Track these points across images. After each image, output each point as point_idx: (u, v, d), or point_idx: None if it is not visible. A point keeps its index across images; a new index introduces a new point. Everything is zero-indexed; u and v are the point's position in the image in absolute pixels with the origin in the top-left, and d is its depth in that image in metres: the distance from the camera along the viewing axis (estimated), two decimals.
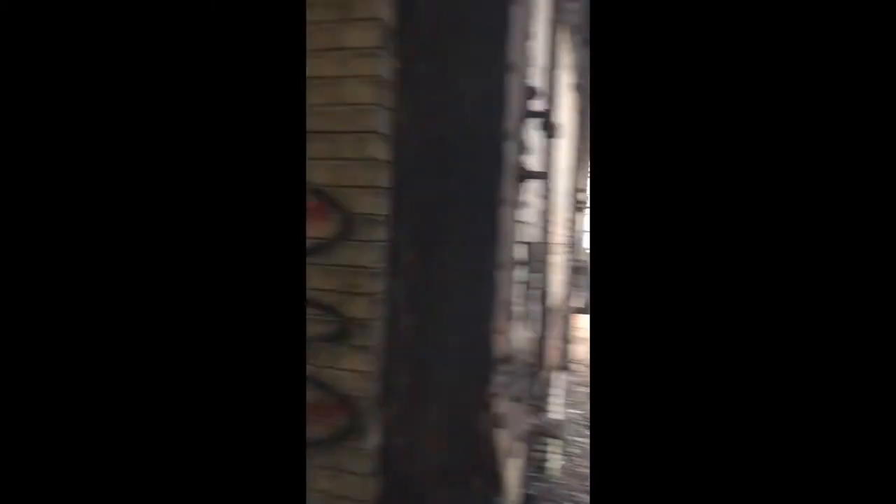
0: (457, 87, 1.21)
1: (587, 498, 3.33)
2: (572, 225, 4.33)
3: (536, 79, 1.44)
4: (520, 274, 1.52)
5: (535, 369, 1.52)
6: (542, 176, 1.44)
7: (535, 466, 3.61)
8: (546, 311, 2.14)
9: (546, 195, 1.50)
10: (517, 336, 1.49)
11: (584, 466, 3.80)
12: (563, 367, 6.19)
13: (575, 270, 4.41)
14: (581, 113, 4.13)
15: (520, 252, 1.51)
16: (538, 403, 1.56)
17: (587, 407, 5.09)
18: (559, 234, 3.09)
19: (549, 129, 1.45)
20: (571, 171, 3.84)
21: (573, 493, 3.41)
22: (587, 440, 4.28)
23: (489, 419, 1.19)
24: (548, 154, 1.49)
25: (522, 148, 1.44)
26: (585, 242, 7.52)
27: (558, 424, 2.42)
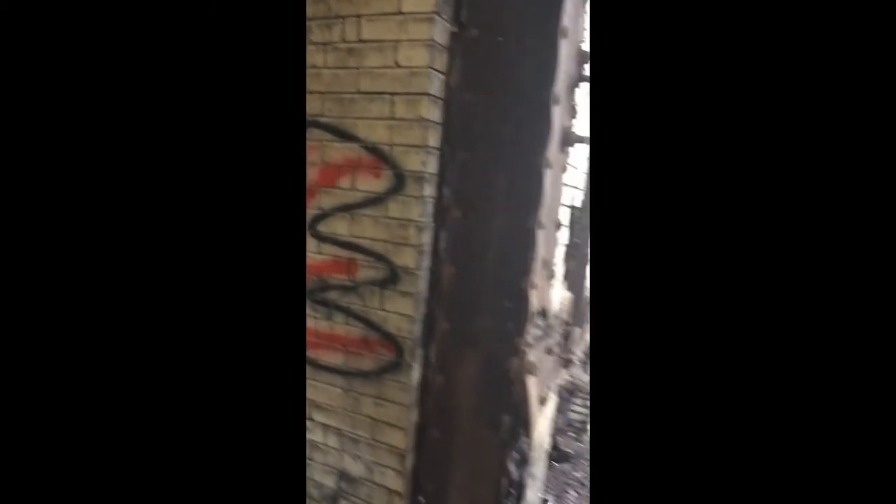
0: (508, 51, 1.25)
1: None
2: None
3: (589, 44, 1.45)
4: (562, 235, 1.58)
5: (571, 327, 1.59)
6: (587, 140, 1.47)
7: (576, 428, 3.72)
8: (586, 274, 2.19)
9: (590, 160, 1.53)
10: (555, 294, 1.57)
11: None
12: None
13: None
14: None
15: (563, 214, 1.57)
16: (572, 358, 1.63)
17: None
18: None
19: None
20: None
21: None
22: None
23: (520, 366, 1.29)
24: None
25: (572, 112, 1.47)
26: None
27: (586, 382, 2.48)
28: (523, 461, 1.36)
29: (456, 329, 1.33)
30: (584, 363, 2.93)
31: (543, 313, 1.44)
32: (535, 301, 1.32)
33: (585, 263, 1.62)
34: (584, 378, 2.51)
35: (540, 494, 1.71)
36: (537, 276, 1.33)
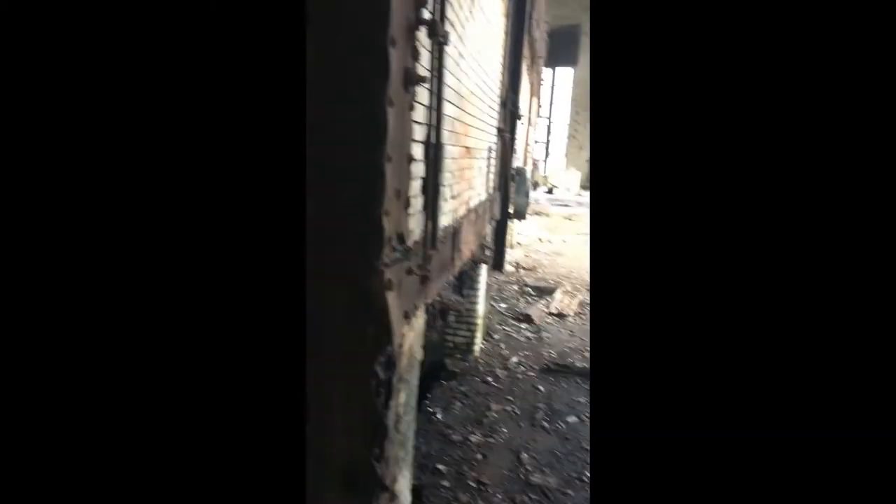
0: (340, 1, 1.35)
1: (506, 373, 3.89)
2: (508, 133, 4.53)
3: None
4: (416, 169, 1.76)
5: (431, 252, 1.81)
6: (430, 80, 1.63)
7: (462, 350, 4.12)
8: (444, 206, 2.42)
9: (439, 98, 1.70)
10: (414, 222, 1.77)
11: (504, 349, 4.35)
12: (497, 267, 6.68)
13: (503, 177, 4.68)
14: (506, 18, 4.17)
15: (416, 150, 1.74)
16: (428, 276, 1.87)
17: (514, 302, 5.64)
18: (476, 142, 3.29)
19: (440, 36, 1.62)
20: (496, 83, 3.97)
21: (493, 368, 3.96)
22: (511, 329, 4.84)
23: (379, 284, 1.48)
24: (439, 59, 1.67)
25: (413, 54, 1.62)
26: (520, 152, 7.72)
27: (458, 301, 2.80)
28: (390, 365, 1.58)
29: (320, 258, 1.48)
30: (454, 286, 3.24)
31: (401, 238, 1.64)
32: (388, 227, 1.50)
33: (439, 195, 1.82)
34: (453, 298, 2.81)
35: (415, 400, 1.97)
36: (390, 204, 1.51)
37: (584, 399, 3.58)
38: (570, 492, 2.60)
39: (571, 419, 3.31)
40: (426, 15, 1.59)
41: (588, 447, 2.99)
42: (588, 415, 3.35)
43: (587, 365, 4.14)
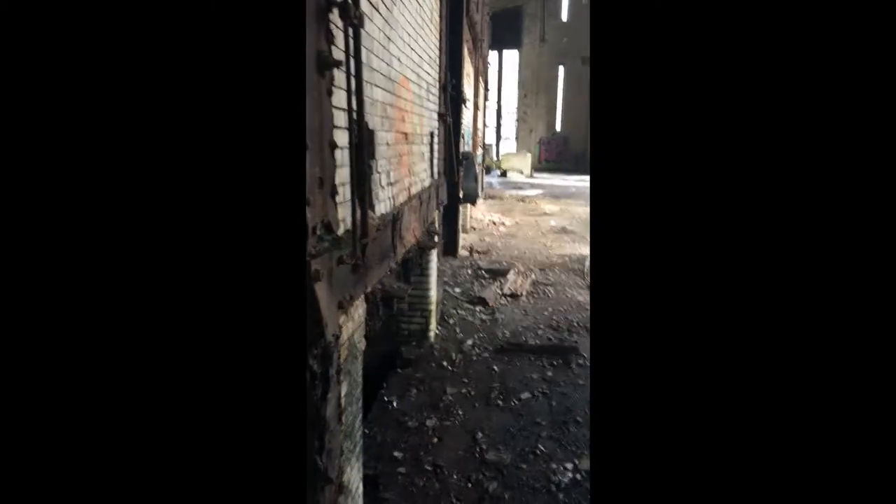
0: None
1: (461, 357, 3.93)
2: (451, 117, 4.51)
3: None
4: (341, 156, 1.72)
5: (364, 240, 1.79)
6: (347, 63, 1.59)
7: (417, 338, 4.13)
8: (381, 193, 2.40)
9: (359, 82, 1.66)
10: (342, 210, 1.73)
11: (459, 333, 4.39)
12: (451, 252, 6.71)
13: (450, 162, 4.67)
14: (441, 1, 4.13)
15: (339, 136, 1.70)
16: (359, 264, 1.84)
17: (468, 286, 5.68)
18: (415, 128, 3.26)
19: (353, 18, 1.58)
20: (434, 67, 3.93)
21: (448, 353, 3.99)
22: (465, 313, 4.88)
23: (307, 274, 1.45)
24: (355, 42, 1.63)
25: (327, 37, 1.57)
26: (469, 136, 7.75)
27: (402, 289, 2.80)
28: (326, 357, 1.56)
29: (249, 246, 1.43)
30: (400, 273, 3.22)
31: (328, 227, 1.60)
32: (312, 216, 1.47)
33: (369, 182, 1.80)
34: (397, 285, 2.80)
35: (360, 390, 1.96)
36: (312, 193, 1.47)
37: (536, 375, 3.67)
38: (523, 465, 2.66)
39: (525, 395, 3.38)
40: None
41: (540, 421, 3.07)
42: (541, 390, 3.44)
43: (539, 342, 4.24)
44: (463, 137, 7.14)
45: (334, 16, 1.57)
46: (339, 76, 1.66)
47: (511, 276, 6.02)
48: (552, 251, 7.58)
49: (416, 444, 2.85)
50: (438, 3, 4.21)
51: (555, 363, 3.86)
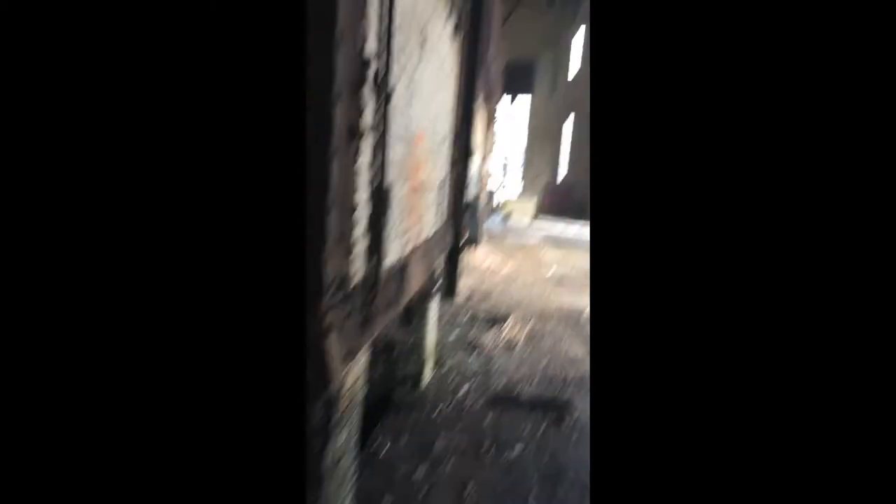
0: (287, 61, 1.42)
1: (447, 406, 3.94)
2: (456, 169, 4.66)
3: (371, 44, 1.67)
4: (360, 216, 1.82)
5: (370, 293, 1.87)
6: (375, 131, 1.71)
7: (412, 382, 4.14)
8: (391, 246, 2.49)
9: (384, 146, 1.78)
10: (356, 266, 1.82)
11: (454, 380, 4.40)
12: (450, 295, 6.77)
13: (456, 208, 4.80)
14: (461, 57, 4.34)
15: (360, 198, 1.81)
16: (370, 319, 1.92)
17: (466, 331, 5.72)
18: (427, 177, 3.40)
19: (384, 90, 1.71)
20: (448, 119, 4.11)
21: (441, 400, 4.00)
22: (461, 359, 4.91)
23: (319, 328, 1.52)
24: (384, 111, 1.76)
25: (357, 110, 1.70)
26: (475, 182, 7.92)
27: (404, 335, 2.85)
28: (328, 408, 1.61)
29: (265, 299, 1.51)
30: (399, 322, 3.28)
31: (342, 282, 1.69)
32: (330, 272, 1.55)
33: (382, 238, 1.90)
34: (399, 332, 2.86)
35: (356, 439, 2.00)
36: (331, 251, 1.56)
37: (528, 429, 3.67)
38: None
39: (516, 449, 3.38)
40: (371, 72, 1.68)
41: (530, 479, 3.07)
42: (533, 446, 3.43)
43: (534, 393, 4.24)
44: (470, 182, 7.32)
45: (367, 89, 1.70)
46: (365, 141, 1.78)
47: (508, 324, 6.06)
48: (550, 300, 7.64)
49: (405, 493, 2.84)
50: (458, 58, 4.43)
51: (548, 418, 3.87)
